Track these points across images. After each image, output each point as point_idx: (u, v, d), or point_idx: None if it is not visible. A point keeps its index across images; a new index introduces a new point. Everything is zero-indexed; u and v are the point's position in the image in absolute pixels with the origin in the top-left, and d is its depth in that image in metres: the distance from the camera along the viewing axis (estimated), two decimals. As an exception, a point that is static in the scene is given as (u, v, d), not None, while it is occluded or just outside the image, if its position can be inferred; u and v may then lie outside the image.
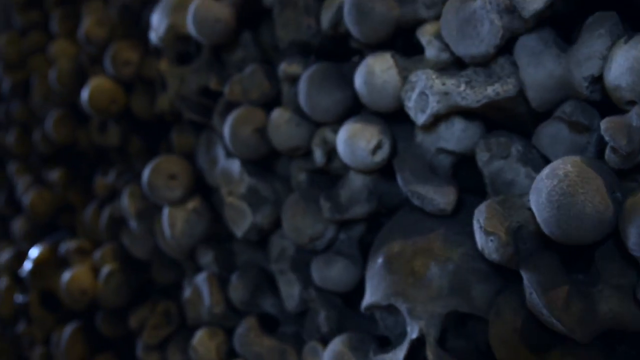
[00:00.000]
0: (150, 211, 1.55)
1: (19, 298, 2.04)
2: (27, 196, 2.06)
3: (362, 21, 0.97)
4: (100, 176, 1.83)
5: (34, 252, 1.95)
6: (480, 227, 0.78)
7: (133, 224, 1.57)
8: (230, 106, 1.31)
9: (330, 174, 1.17)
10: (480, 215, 0.79)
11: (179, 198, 1.38)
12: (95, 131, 1.85)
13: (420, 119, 0.90)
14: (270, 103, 1.25)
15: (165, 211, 1.40)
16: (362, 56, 1.05)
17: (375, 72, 0.96)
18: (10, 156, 2.33)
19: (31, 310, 1.93)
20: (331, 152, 1.12)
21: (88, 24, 1.82)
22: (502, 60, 0.85)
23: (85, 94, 1.72)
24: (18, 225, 2.21)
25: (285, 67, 1.17)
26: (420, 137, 0.98)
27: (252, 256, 1.39)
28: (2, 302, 2.08)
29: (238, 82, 1.27)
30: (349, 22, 0.99)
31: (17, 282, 2.07)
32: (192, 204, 1.38)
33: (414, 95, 0.91)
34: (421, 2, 0.98)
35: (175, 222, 1.37)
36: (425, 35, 0.95)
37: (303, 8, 1.17)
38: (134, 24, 1.87)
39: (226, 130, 1.25)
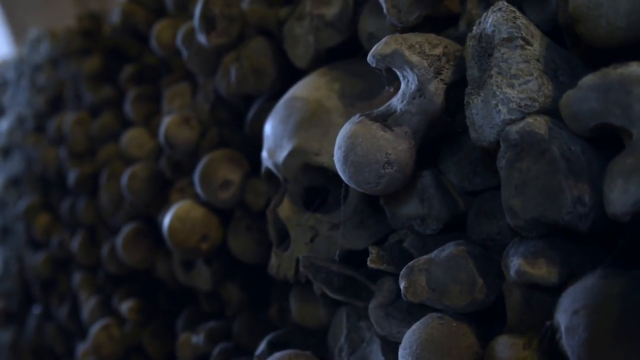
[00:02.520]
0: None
1: None
2: (93, 328, 1.56)
3: None
4: (186, 331, 1.30)
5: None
6: None
7: None
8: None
9: None
10: None
11: None
12: (178, 267, 1.33)
13: None
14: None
15: None
16: None
17: None
18: (75, 263, 1.86)
19: None
20: None
21: (169, 122, 1.31)
22: None
23: (166, 222, 1.21)
24: (81, 354, 1.72)
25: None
26: None
27: None
28: None
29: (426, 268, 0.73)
30: None
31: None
32: None
33: None
34: None
35: None
36: None
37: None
38: (234, 121, 1.35)
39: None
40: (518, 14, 0.74)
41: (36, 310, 2.26)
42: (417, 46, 0.78)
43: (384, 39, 0.80)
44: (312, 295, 1.07)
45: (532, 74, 0.72)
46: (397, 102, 0.82)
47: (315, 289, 0.99)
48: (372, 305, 0.88)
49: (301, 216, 0.98)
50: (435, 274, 0.78)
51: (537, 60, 0.73)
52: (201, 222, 1.20)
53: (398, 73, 0.81)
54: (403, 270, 0.80)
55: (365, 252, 0.95)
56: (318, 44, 1.07)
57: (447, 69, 0.79)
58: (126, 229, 1.52)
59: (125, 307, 1.53)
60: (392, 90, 0.85)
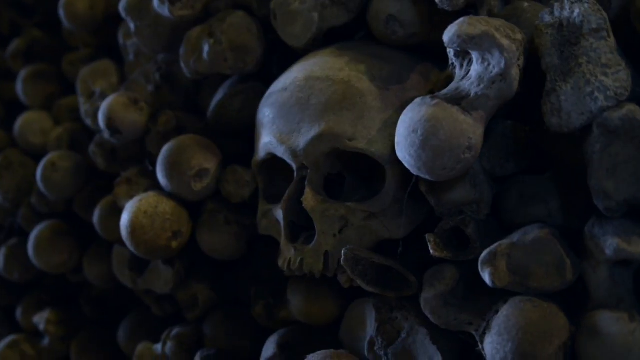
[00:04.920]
0: None
1: None
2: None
3: None
4: (144, 341, 1.14)
5: None
6: None
7: None
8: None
9: None
10: None
11: None
12: (122, 269, 1.16)
13: None
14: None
15: None
16: None
17: None
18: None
19: None
20: None
21: (113, 103, 1.14)
22: None
23: (126, 219, 1.05)
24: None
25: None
26: None
27: None
28: None
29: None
30: None
31: None
32: None
33: None
34: None
35: None
36: None
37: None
38: (183, 105, 1.21)
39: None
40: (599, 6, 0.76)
41: None
42: (502, 29, 0.76)
43: (463, 20, 0.78)
44: (318, 290, 1.00)
45: (620, 64, 0.74)
46: (470, 85, 0.79)
47: (342, 282, 0.93)
48: (428, 294, 0.85)
49: (328, 206, 0.91)
50: (517, 257, 0.77)
51: (617, 51, 0.75)
52: (172, 217, 1.06)
53: (475, 55, 0.78)
54: (484, 256, 0.78)
55: (396, 242, 0.92)
56: (322, 22, 1.00)
57: (522, 55, 0.78)
58: (40, 229, 1.29)
59: (39, 319, 1.30)
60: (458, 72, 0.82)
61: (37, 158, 1.41)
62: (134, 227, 1.05)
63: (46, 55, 1.51)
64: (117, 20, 1.39)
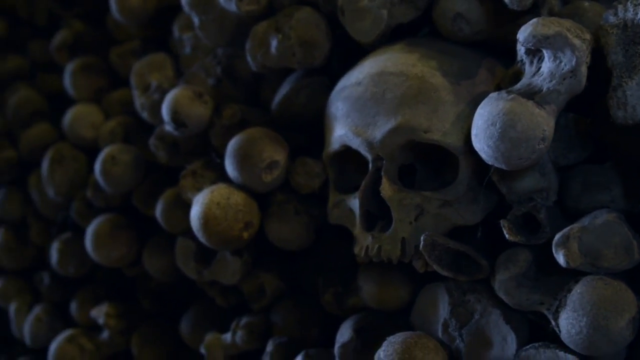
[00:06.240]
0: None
1: None
2: (54, 343, 1.51)
3: None
4: (212, 332, 1.33)
5: None
6: None
7: None
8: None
9: None
10: None
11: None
12: (187, 261, 1.35)
13: None
14: None
15: None
16: None
17: None
18: None
19: None
20: None
21: (179, 96, 1.32)
22: None
23: (198, 210, 1.24)
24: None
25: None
26: None
27: None
28: None
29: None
30: None
31: None
32: None
33: None
34: None
35: None
36: None
37: None
38: (244, 99, 1.40)
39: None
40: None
41: None
42: (572, 30, 0.95)
43: (536, 20, 0.97)
44: (390, 276, 1.20)
45: (679, 63, 0.93)
46: (542, 81, 0.98)
47: (418, 267, 1.12)
48: (502, 276, 1.04)
49: (405, 195, 1.10)
50: (588, 240, 0.96)
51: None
52: (244, 208, 1.25)
53: (548, 53, 0.97)
54: (557, 239, 0.98)
55: (465, 229, 1.11)
56: (391, 19, 1.19)
57: (589, 53, 0.98)
58: (98, 223, 1.48)
59: (97, 313, 1.49)
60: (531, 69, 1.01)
61: (88, 152, 1.61)
62: (206, 218, 1.24)
63: (91, 48, 1.70)
64: (167, 12, 1.59)
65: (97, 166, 1.46)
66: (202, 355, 1.42)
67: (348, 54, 1.30)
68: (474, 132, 1.00)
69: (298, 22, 1.26)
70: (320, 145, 1.27)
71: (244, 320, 1.33)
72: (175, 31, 1.54)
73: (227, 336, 1.33)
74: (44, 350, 1.59)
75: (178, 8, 1.54)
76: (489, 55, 1.17)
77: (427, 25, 1.25)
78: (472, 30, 1.16)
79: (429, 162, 1.17)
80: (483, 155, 1.00)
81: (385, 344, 1.08)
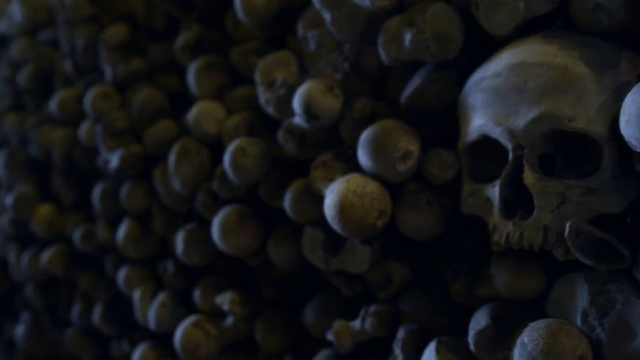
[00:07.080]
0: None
1: None
2: (180, 328, 1.57)
3: None
4: (339, 319, 1.37)
5: None
6: None
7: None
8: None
9: None
10: None
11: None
12: (315, 250, 1.39)
13: None
14: None
15: None
16: None
17: None
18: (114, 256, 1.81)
19: None
20: None
21: (311, 89, 1.37)
22: None
23: (334, 198, 1.27)
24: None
25: None
26: None
27: None
28: None
29: None
30: None
31: None
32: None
33: None
34: None
35: None
36: None
37: None
38: (370, 92, 1.44)
39: None
40: None
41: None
42: None
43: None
44: (525, 266, 1.21)
45: None
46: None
47: (559, 255, 1.13)
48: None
49: (547, 183, 1.12)
50: None
51: None
52: (378, 196, 1.29)
53: None
54: None
55: (606, 217, 1.12)
56: (527, 11, 1.21)
57: None
58: (226, 213, 1.54)
59: (222, 300, 1.55)
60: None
61: (210, 146, 1.68)
62: (343, 205, 1.28)
63: (211, 48, 1.77)
64: (286, 13, 1.65)
65: (227, 158, 1.53)
66: (323, 344, 1.47)
67: (476, 48, 1.33)
68: (624, 118, 1.01)
69: (432, 16, 1.29)
70: (447, 137, 1.30)
71: (373, 308, 1.36)
72: (300, 29, 1.59)
73: (356, 323, 1.36)
74: (166, 335, 1.67)
75: (297, 9, 1.61)
76: (627, 47, 1.18)
77: (559, 19, 1.27)
78: (611, 21, 1.17)
79: (567, 151, 1.18)
80: (633, 142, 1.01)
81: (527, 329, 1.09)
